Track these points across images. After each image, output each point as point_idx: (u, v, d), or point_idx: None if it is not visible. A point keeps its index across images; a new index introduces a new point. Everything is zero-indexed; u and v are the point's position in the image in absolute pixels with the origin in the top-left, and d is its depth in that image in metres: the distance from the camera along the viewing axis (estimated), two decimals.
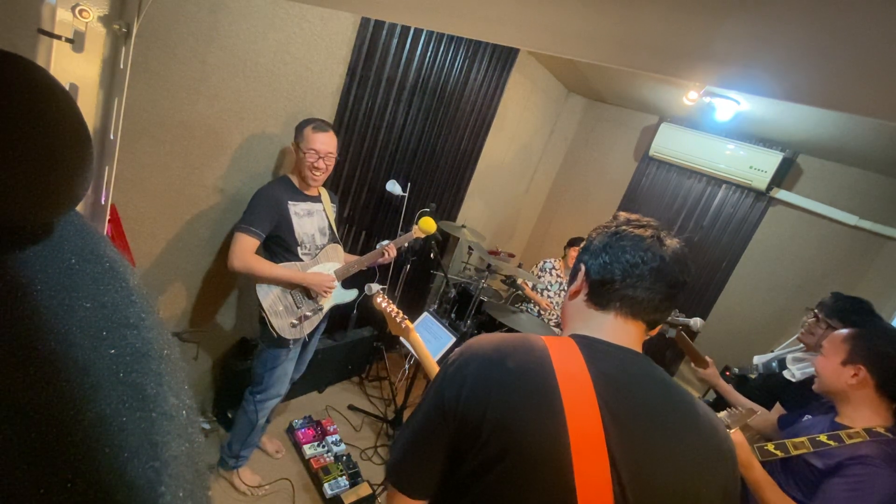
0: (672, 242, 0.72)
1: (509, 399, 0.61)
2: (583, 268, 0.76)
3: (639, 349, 0.71)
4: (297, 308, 1.80)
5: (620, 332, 0.71)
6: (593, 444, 0.58)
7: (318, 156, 1.70)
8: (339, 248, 1.94)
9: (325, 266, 1.86)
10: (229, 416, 2.20)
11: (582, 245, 0.80)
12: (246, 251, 1.63)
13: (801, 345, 1.75)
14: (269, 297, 1.73)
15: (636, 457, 0.59)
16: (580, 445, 0.58)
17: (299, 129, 1.71)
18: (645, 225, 0.74)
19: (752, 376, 2.03)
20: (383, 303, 1.47)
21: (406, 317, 1.42)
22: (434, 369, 1.27)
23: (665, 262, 0.69)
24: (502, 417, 0.60)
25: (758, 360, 1.96)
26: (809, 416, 1.30)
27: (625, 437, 0.59)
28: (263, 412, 1.87)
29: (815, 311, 1.64)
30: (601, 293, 0.72)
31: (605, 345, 0.69)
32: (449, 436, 0.65)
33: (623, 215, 0.78)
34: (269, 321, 1.72)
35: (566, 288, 3.31)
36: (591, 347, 0.68)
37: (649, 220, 0.75)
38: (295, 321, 1.79)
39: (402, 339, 1.44)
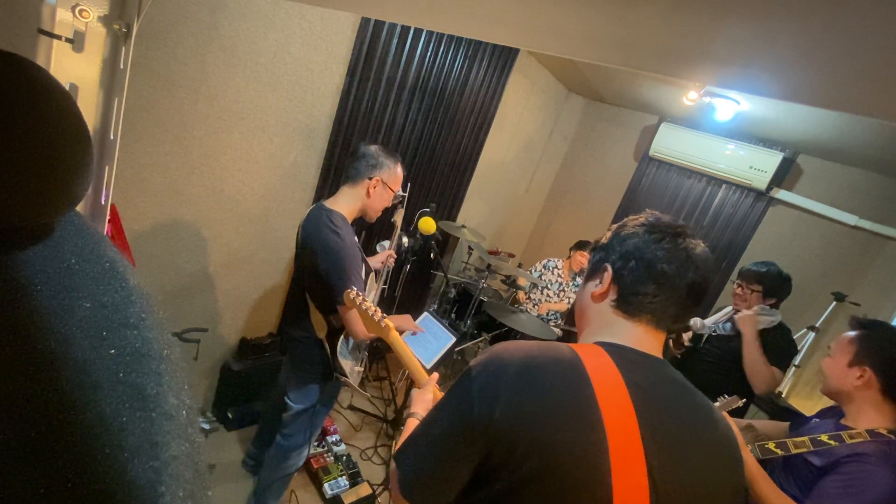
0: (699, 249, 0.69)
1: (548, 416, 0.58)
2: (610, 270, 0.72)
3: (660, 356, 0.70)
4: (359, 353, 1.72)
5: (647, 341, 0.69)
6: (633, 461, 0.56)
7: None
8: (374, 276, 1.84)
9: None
10: (229, 416, 2.20)
11: (605, 241, 0.76)
12: None
13: (728, 308, 2.01)
14: (349, 358, 1.61)
15: (672, 470, 0.58)
16: (620, 464, 0.56)
17: (382, 164, 1.50)
18: (680, 233, 0.70)
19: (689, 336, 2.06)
20: (357, 299, 1.25)
21: (385, 315, 1.21)
22: (420, 373, 1.09)
23: (698, 273, 0.67)
24: (541, 435, 0.57)
25: (710, 322, 2.01)
26: (817, 420, 1.30)
27: (661, 451, 0.58)
28: (304, 456, 1.74)
29: (741, 282, 1.92)
30: (632, 302, 0.70)
31: (635, 353, 0.67)
32: (478, 454, 0.60)
33: (651, 215, 0.74)
34: (349, 381, 1.63)
35: (565, 289, 3.26)
36: (622, 357, 0.65)
37: (679, 225, 0.71)
38: (359, 367, 1.73)
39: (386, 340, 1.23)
